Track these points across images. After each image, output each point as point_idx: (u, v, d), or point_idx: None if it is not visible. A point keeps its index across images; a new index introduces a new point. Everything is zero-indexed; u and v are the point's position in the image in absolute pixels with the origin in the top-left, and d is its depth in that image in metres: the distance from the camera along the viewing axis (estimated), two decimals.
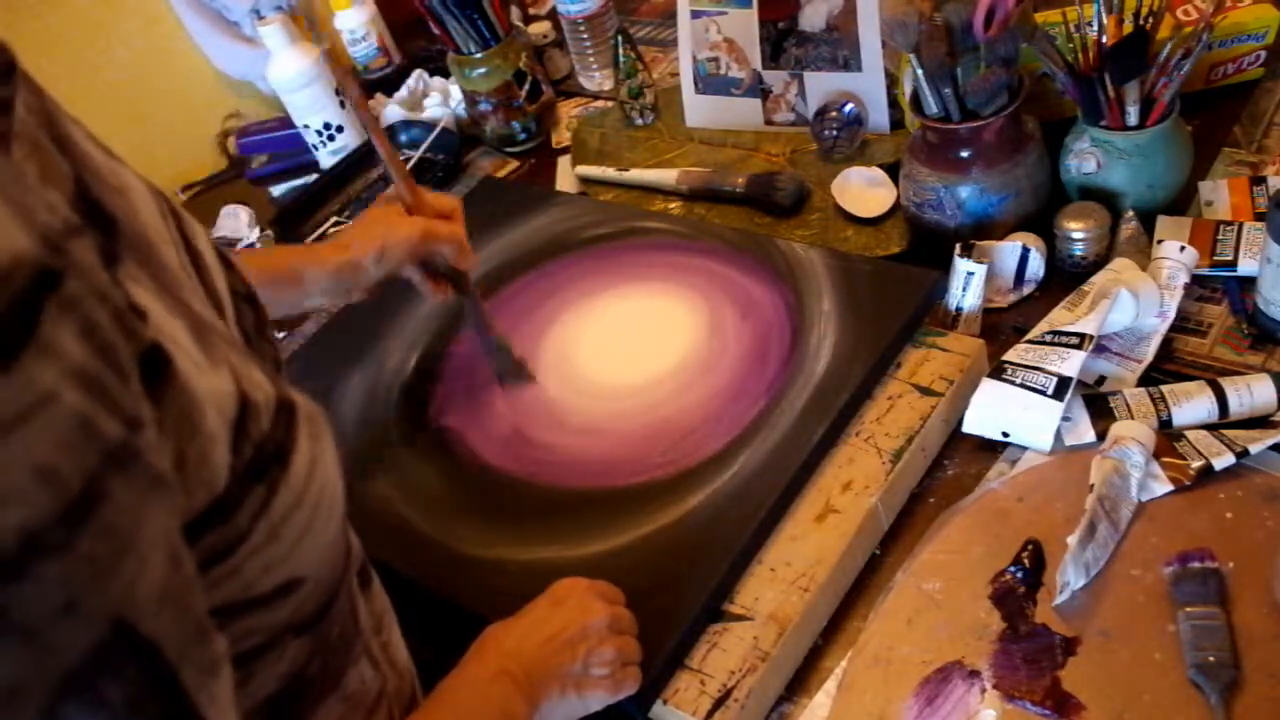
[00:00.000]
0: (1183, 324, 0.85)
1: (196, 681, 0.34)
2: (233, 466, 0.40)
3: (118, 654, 0.31)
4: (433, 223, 0.83)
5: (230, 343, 0.44)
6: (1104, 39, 0.88)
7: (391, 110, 1.43)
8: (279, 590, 0.45)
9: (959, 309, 0.90)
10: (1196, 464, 0.73)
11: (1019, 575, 0.72)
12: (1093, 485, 0.73)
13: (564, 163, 1.29)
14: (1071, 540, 0.70)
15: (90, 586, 0.30)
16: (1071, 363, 0.78)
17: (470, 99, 1.33)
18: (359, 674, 0.54)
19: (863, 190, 1.05)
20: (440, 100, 1.43)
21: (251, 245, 1.30)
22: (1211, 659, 0.63)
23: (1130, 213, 0.91)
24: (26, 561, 0.28)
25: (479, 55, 1.27)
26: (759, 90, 1.18)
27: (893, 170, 1.04)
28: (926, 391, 0.81)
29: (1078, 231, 0.89)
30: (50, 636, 0.29)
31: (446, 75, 1.43)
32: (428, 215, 0.84)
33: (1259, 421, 0.76)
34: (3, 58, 0.40)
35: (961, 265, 0.89)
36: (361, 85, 1.52)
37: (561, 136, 1.34)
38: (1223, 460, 0.72)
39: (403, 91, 1.47)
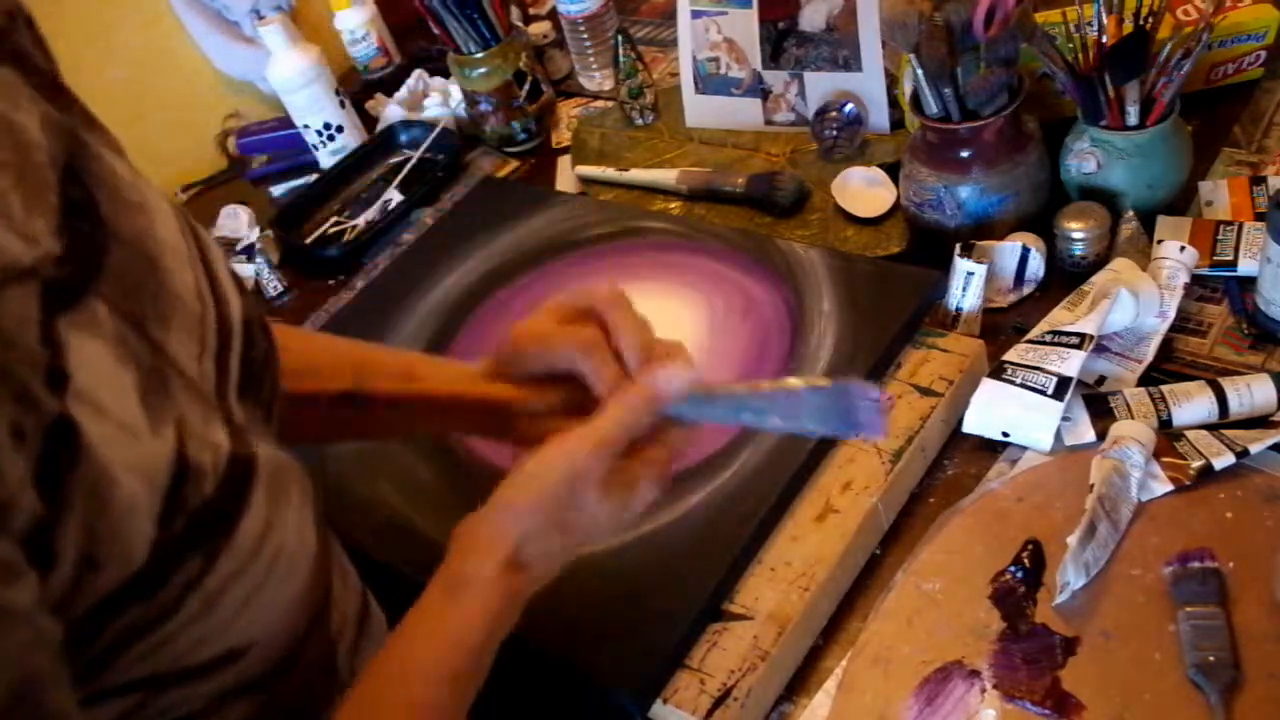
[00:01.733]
0: (1183, 324, 0.85)
1: None
2: (158, 540, 0.38)
3: None
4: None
5: (196, 393, 0.42)
6: (1104, 39, 0.88)
7: (391, 110, 1.43)
8: (218, 660, 0.42)
9: (959, 309, 0.90)
10: (1196, 464, 0.73)
11: (1019, 575, 0.72)
12: (1093, 485, 0.73)
13: (564, 163, 1.29)
14: (1071, 540, 0.70)
15: None
16: (1071, 363, 0.78)
17: (470, 99, 1.33)
18: None
19: (863, 190, 1.05)
20: (440, 100, 1.43)
21: (251, 245, 1.29)
22: (1211, 659, 0.63)
23: (1130, 213, 0.91)
24: None
25: (479, 55, 1.27)
26: (759, 90, 1.18)
27: (893, 170, 1.04)
28: (926, 392, 0.81)
29: (1078, 231, 0.89)
30: None
31: (446, 75, 1.43)
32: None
33: (1259, 421, 0.76)
34: None
35: (961, 265, 0.89)
36: (364, 87, 1.53)
37: (561, 136, 1.34)
38: (1223, 460, 0.72)
39: (403, 91, 1.47)
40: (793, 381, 0.53)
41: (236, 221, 1.34)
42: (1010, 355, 0.81)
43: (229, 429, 0.43)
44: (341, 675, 0.53)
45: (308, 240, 1.29)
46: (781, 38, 1.14)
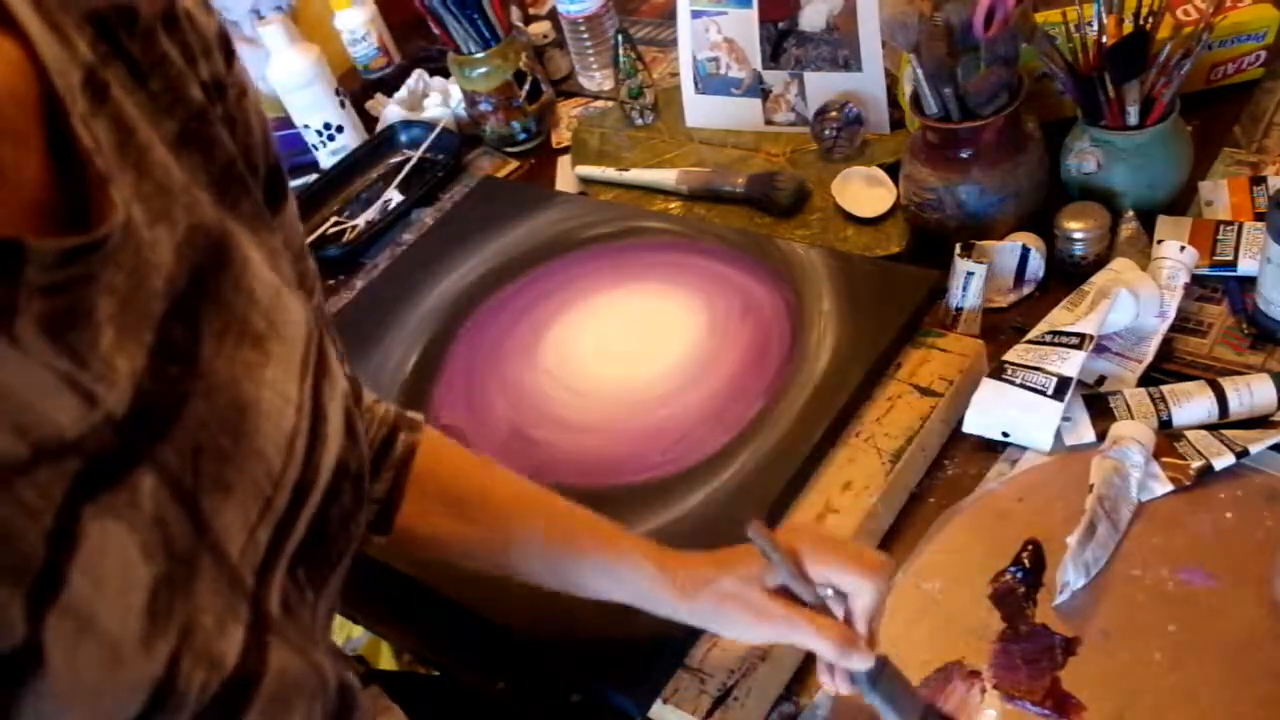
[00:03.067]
0: (1183, 324, 0.85)
1: None
2: None
3: None
4: (792, 620, 0.59)
5: (226, 584, 0.39)
6: (1104, 39, 0.88)
7: (391, 110, 1.43)
8: None
9: (959, 309, 0.90)
10: (1196, 464, 0.73)
11: (1019, 575, 0.72)
12: (1093, 485, 0.73)
13: (564, 163, 1.29)
14: (1071, 540, 0.70)
15: None
16: (1071, 363, 0.78)
17: (470, 99, 1.33)
18: None
19: (863, 190, 1.05)
20: (440, 100, 1.43)
21: None
22: None
23: (1130, 213, 0.91)
24: None
25: (479, 55, 1.27)
26: (759, 90, 1.18)
27: (893, 170, 1.04)
28: (926, 392, 0.81)
29: (1078, 231, 0.89)
30: None
31: (446, 75, 1.43)
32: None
33: (1259, 421, 0.76)
34: (86, 238, 0.35)
35: (961, 265, 0.89)
36: (364, 85, 1.53)
37: (561, 136, 1.34)
38: (1223, 460, 0.72)
39: (403, 91, 1.47)
40: None
41: None
42: (1010, 355, 0.81)
43: (250, 629, 0.40)
44: None
45: (308, 240, 1.29)
46: (781, 38, 1.14)
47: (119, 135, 0.38)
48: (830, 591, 0.60)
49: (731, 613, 0.61)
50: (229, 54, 0.45)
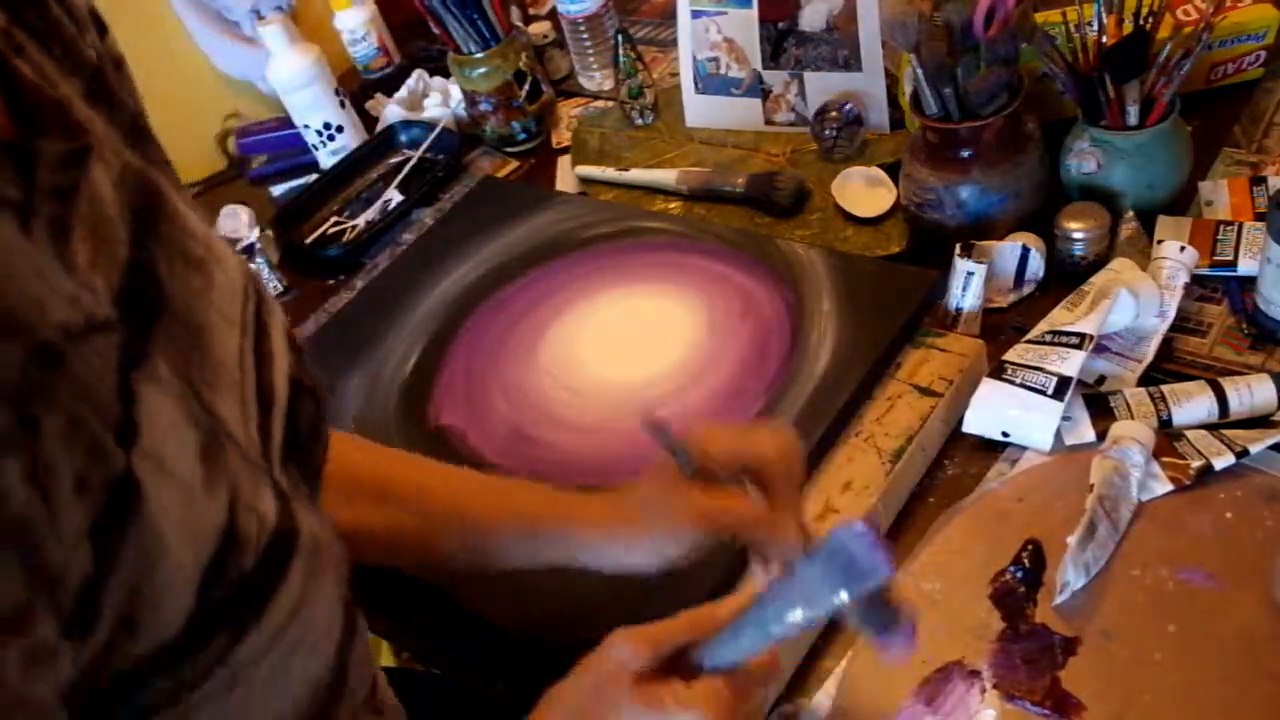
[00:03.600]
0: (1183, 324, 0.85)
1: None
2: (194, 611, 0.37)
3: None
4: (718, 509, 0.60)
5: (248, 459, 0.42)
6: (1104, 39, 0.88)
7: (391, 110, 1.43)
8: None
9: (959, 309, 0.90)
10: (1196, 464, 0.73)
11: (1019, 575, 0.72)
12: (1093, 485, 0.73)
13: (564, 163, 1.29)
14: (1071, 540, 0.70)
15: None
16: (1071, 363, 0.78)
17: (470, 99, 1.33)
18: None
19: (863, 190, 1.06)
20: (440, 100, 1.43)
21: (251, 245, 1.29)
22: None
23: (1130, 213, 0.91)
24: None
25: (479, 55, 1.27)
26: (759, 90, 1.18)
27: (893, 170, 1.04)
28: (926, 392, 0.81)
29: (1078, 231, 0.89)
30: None
31: (446, 75, 1.43)
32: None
33: (1259, 421, 0.76)
34: (79, 143, 0.39)
35: (961, 265, 0.89)
36: (364, 85, 1.53)
37: (561, 136, 1.34)
38: (1223, 460, 0.72)
39: (403, 91, 1.47)
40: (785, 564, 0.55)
41: (236, 221, 1.34)
42: (1010, 355, 0.81)
43: (277, 498, 0.43)
44: None
45: (308, 240, 1.29)
46: (781, 38, 1.14)
47: (44, 79, 0.40)
48: (748, 486, 0.59)
49: (658, 527, 0.61)
50: (102, 28, 0.47)
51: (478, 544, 0.66)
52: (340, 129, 1.39)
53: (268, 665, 0.41)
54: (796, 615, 0.48)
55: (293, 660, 0.43)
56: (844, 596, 0.46)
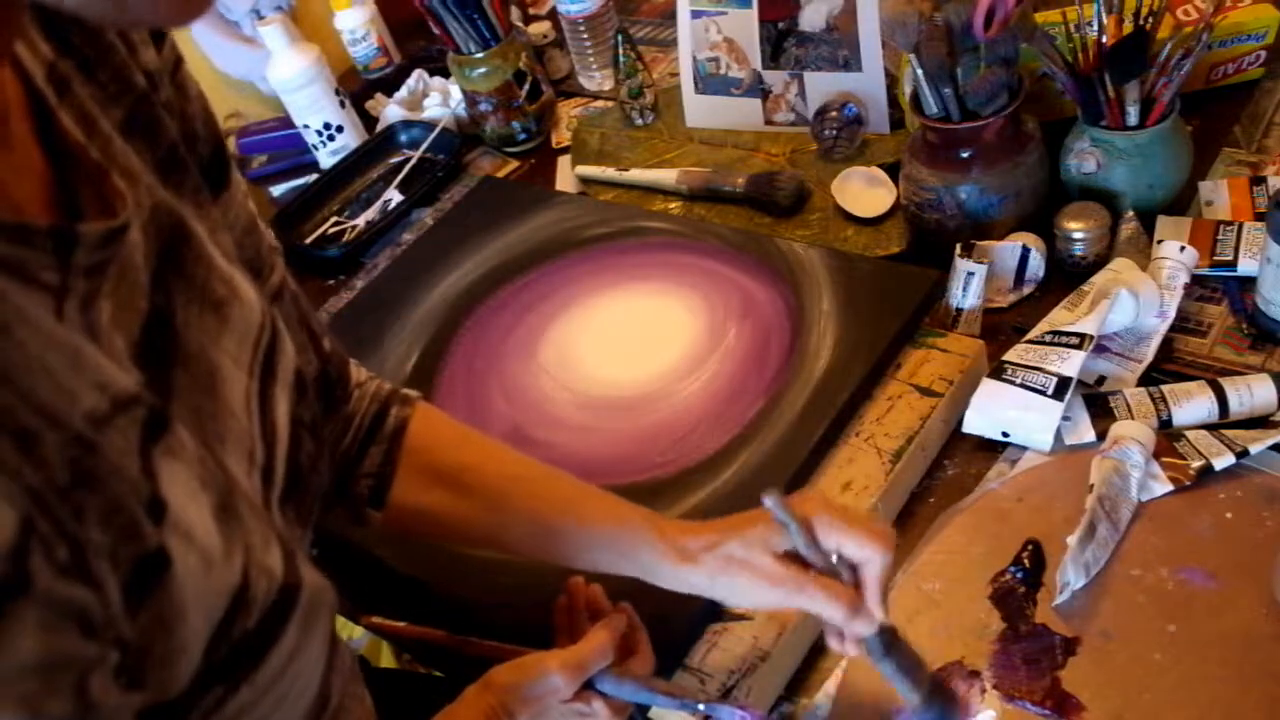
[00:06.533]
0: (1183, 324, 0.85)
1: None
2: (197, 671, 0.38)
3: None
4: (806, 579, 0.60)
5: (257, 513, 0.43)
6: (1104, 39, 0.88)
7: (391, 110, 1.43)
8: None
9: (959, 309, 0.90)
10: (1196, 464, 0.73)
11: (1019, 575, 0.72)
12: (1093, 485, 0.73)
13: (564, 163, 1.29)
14: (1071, 540, 0.70)
15: None
16: (1071, 363, 0.78)
17: (470, 99, 1.33)
18: None
19: (863, 190, 1.05)
20: (440, 100, 1.43)
21: None
22: None
23: (1130, 213, 0.91)
24: None
25: (479, 55, 1.27)
26: (759, 90, 1.18)
27: (893, 170, 1.04)
28: (926, 392, 0.81)
29: (1078, 231, 0.89)
30: None
31: (446, 75, 1.43)
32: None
33: (1259, 421, 0.76)
34: (117, 221, 0.39)
35: (961, 265, 0.89)
36: (364, 85, 1.53)
37: (561, 136, 1.34)
38: (1223, 460, 0.72)
39: (403, 91, 1.47)
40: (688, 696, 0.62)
41: None
42: (1010, 355, 0.81)
43: (283, 553, 0.43)
44: None
45: (308, 240, 1.29)
46: (781, 38, 1.14)
47: (84, 127, 0.41)
48: (836, 558, 0.60)
49: (737, 576, 0.61)
50: (159, 38, 0.47)
51: (548, 546, 0.67)
52: (340, 129, 1.38)
53: (258, 713, 0.42)
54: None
55: (284, 704, 0.44)
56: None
